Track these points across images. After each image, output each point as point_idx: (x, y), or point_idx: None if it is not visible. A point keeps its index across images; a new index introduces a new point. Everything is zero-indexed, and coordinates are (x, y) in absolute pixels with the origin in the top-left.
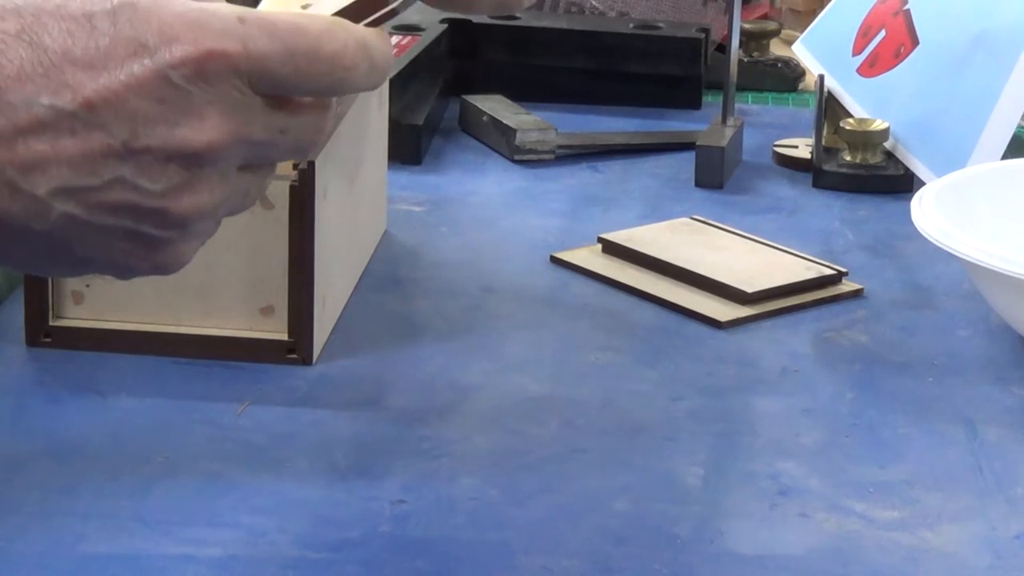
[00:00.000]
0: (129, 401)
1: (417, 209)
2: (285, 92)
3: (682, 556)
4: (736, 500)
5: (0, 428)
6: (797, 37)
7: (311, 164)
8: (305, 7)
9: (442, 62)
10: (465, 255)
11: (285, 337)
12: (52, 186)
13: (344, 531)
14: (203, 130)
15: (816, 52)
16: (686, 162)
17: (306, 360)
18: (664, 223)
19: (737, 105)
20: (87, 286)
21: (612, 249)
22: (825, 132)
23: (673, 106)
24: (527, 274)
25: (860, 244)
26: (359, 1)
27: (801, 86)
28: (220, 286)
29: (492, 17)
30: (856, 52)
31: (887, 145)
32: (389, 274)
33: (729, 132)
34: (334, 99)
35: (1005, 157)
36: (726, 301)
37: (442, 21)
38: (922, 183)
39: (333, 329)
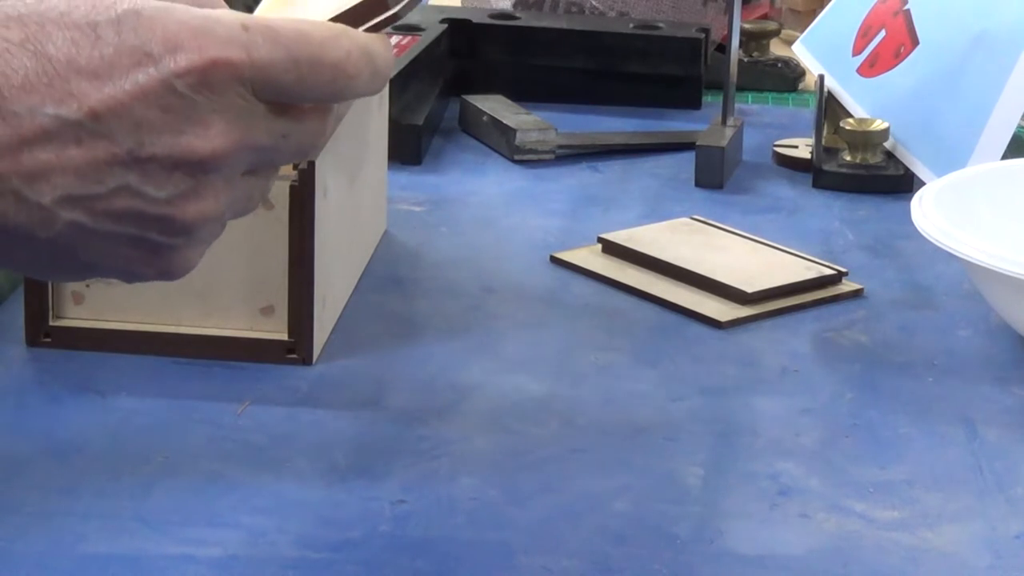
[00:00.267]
0: (129, 401)
1: (417, 209)
2: (288, 99)
3: (682, 556)
4: (736, 500)
5: (0, 428)
6: (797, 37)
7: (311, 164)
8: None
9: (442, 62)
10: (465, 255)
11: (285, 337)
12: (57, 195)
13: (344, 531)
14: (208, 138)
15: (816, 52)
16: (686, 162)
17: (306, 360)
18: (664, 223)
19: (737, 105)
20: (87, 286)
21: (612, 249)
22: (825, 132)
23: (673, 106)
24: (527, 274)
25: (860, 244)
26: (359, 5)
27: (801, 86)
28: (220, 286)
29: (492, 17)
30: (856, 52)
31: (887, 145)
32: (389, 274)
33: (729, 132)
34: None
35: (1005, 157)
36: (726, 301)
37: (442, 21)
38: (922, 183)
39: (333, 329)
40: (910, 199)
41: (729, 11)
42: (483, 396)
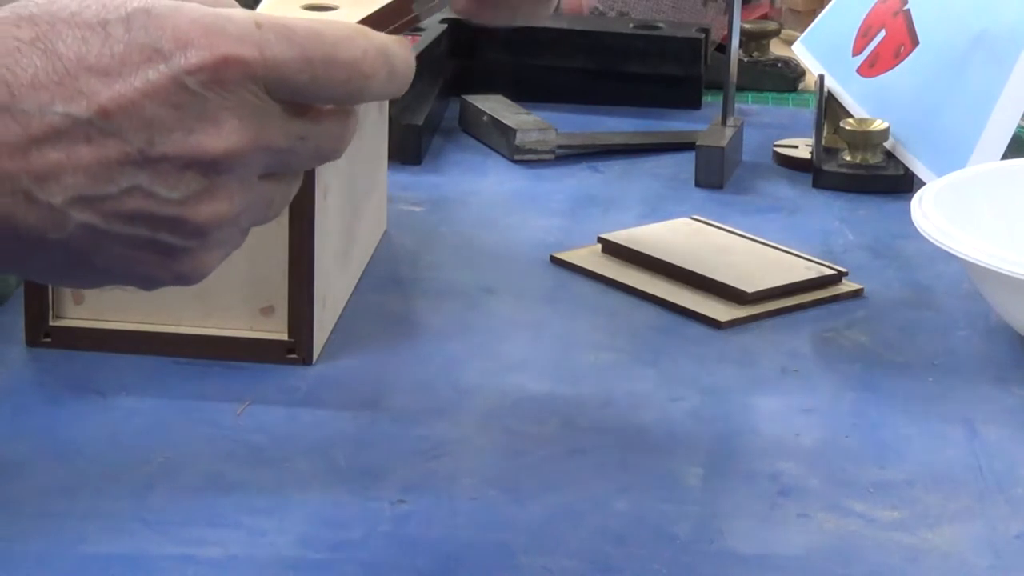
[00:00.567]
0: (129, 401)
1: (417, 209)
2: (303, 99)
3: (682, 556)
4: (736, 500)
5: (0, 428)
6: (797, 37)
7: None
8: (307, 7)
9: (442, 62)
10: (465, 255)
11: (285, 337)
12: (68, 195)
13: (344, 531)
14: (220, 136)
15: (816, 52)
16: (686, 162)
17: (306, 360)
18: (664, 223)
19: (737, 105)
20: None
21: (612, 249)
22: (825, 132)
23: (673, 106)
24: (527, 274)
25: (860, 244)
26: (383, 9)
27: (801, 86)
28: (220, 286)
29: None
30: (856, 52)
31: (887, 145)
32: (389, 274)
33: (729, 132)
34: (356, 106)
35: (1005, 157)
36: (726, 301)
37: (442, 21)
38: (922, 183)
39: (333, 329)
40: (910, 199)
41: (729, 11)
42: (483, 396)
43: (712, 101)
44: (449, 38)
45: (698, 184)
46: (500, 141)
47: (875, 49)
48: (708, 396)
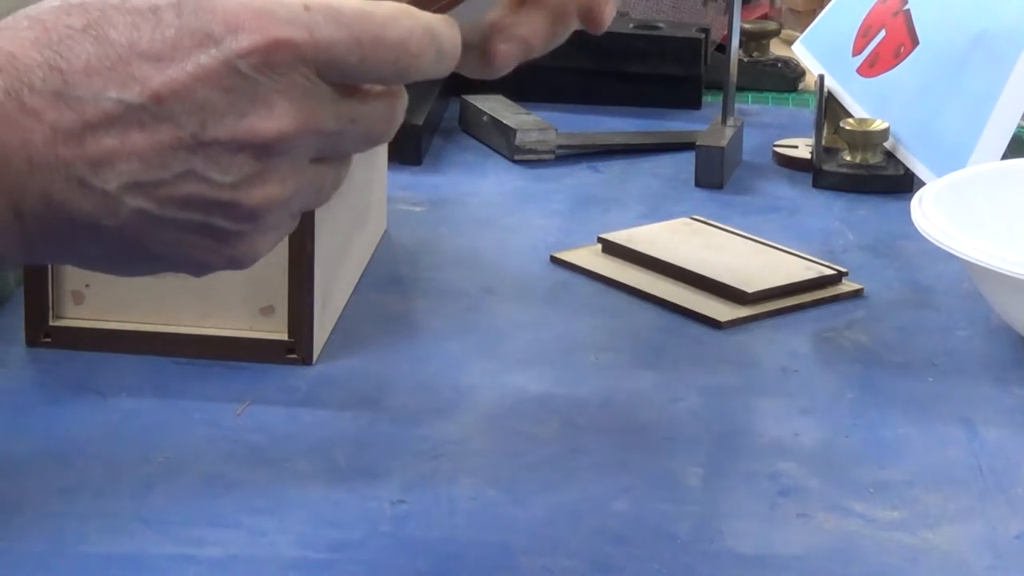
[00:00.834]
0: (129, 401)
1: (417, 209)
2: (352, 80)
3: (682, 556)
4: (736, 500)
5: (0, 428)
6: (797, 37)
7: None
8: None
9: None
10: (465, 255)
11: (285, 337)
12: (122, 181)
13: (344, 531)
14: (272, 118)
15: (816, 52)
16: (686, 162)
17: (306, 360)
18: (664, 223)
19: (737, 105)
20: (87, 286)
21: (612, 249)
22: (825, 132)
23: (673, 106)
24: (527, 274)
25: (860, 244)
26: None
27: (801, 86)
28: (220, 286)
29: None
30: (856, 52)
31: (887, 145)
32: (389, 274)
33: (729, 132)
34: (403, 87)
35: (1005, 157)
36: (726, 301)
37: None
38: (922, 183)
39: (333, 329)
40: (910, 199)
41: (729, 11)
42: (483, 396)
43: (712, 101)
44: None
45: (698, 184)
46: (500, 141)
47: (875, 49)
48: (708, 396)
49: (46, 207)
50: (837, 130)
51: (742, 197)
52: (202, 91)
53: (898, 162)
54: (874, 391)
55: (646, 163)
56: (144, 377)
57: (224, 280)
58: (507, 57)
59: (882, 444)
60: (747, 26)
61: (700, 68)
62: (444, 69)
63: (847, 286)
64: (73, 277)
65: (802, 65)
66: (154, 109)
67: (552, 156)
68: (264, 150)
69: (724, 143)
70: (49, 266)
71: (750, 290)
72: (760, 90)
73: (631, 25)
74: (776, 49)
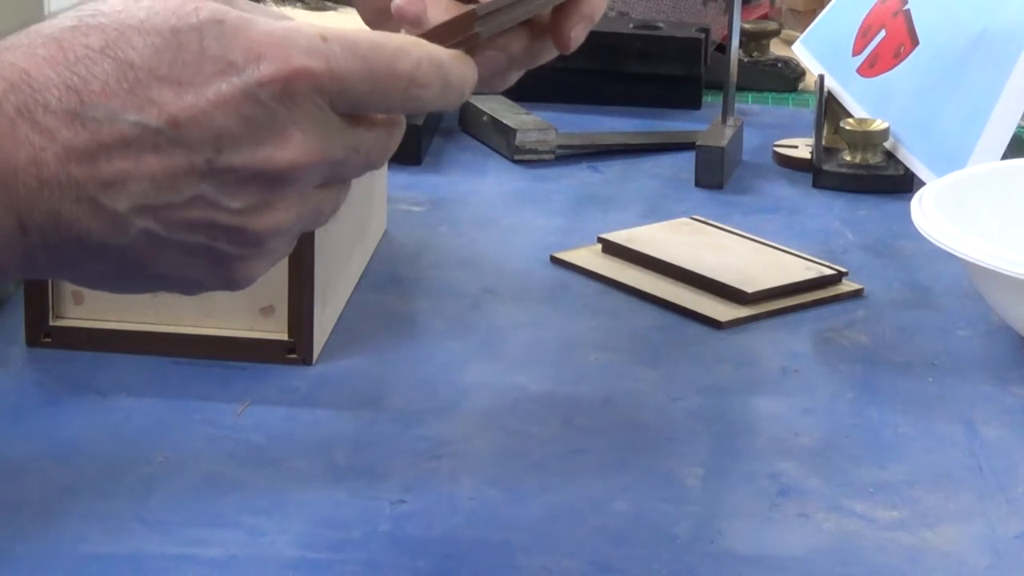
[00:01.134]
0: (129, 401)
1: (417, 209)
2: (362, 110)
3: (682, 556)
4: (736, 500)
5: (0, 428)
6: (797, 37)
7: None
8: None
9: None
10: (465, 255)
11: (285, 337)
12: (133, 203)
13: (344, 531)
14: (286, 149)
15: (816, 52)
16: (686, 162)
17: (306, 360)
18: (664, 223)
19: (737, 105)
20: None
21: (612, 249)
22: (825, 132)
23: (673, 106)
24: (527, 274)
25: (860, 244)
26: (444, 24)
27: (801, 86)
28: None
29: None
30: (856, 52)
31: (887, 145)
32: (389, 274)
33: (729, 132)
34: (402, 116)
35: (1005, 157)
36: (726, 301)
37: None
38: (922, 183)
39: (333, 329)
40: (910, 199)
41: (729, 11)
42: (483, 396)
43: (712, 101)
44: None
45: (698, 184)
46: (500, 141)
47: (875, 49)
48: (708, 396)
49: (54, 225)
50: (837, 130)
51: (742, 197)
52: (220, 118)
53: (898, 162)
54: (874, 391)
55: (646, 163)
56: (144, 377)
57: None
58: (487, 65)
59: (882, 444)
60: (747, 26)
61: (700, 68)
62: (449, 101)
63: (847, 286)
64: None
65: (802, 65)
66: (170, 133)
67: (552, 156)
68: (276, 179)
69: (724, 143)
70: None
71: (750, 290)
72: (760, 90)
73: (631, 25)
74: (776, 49)
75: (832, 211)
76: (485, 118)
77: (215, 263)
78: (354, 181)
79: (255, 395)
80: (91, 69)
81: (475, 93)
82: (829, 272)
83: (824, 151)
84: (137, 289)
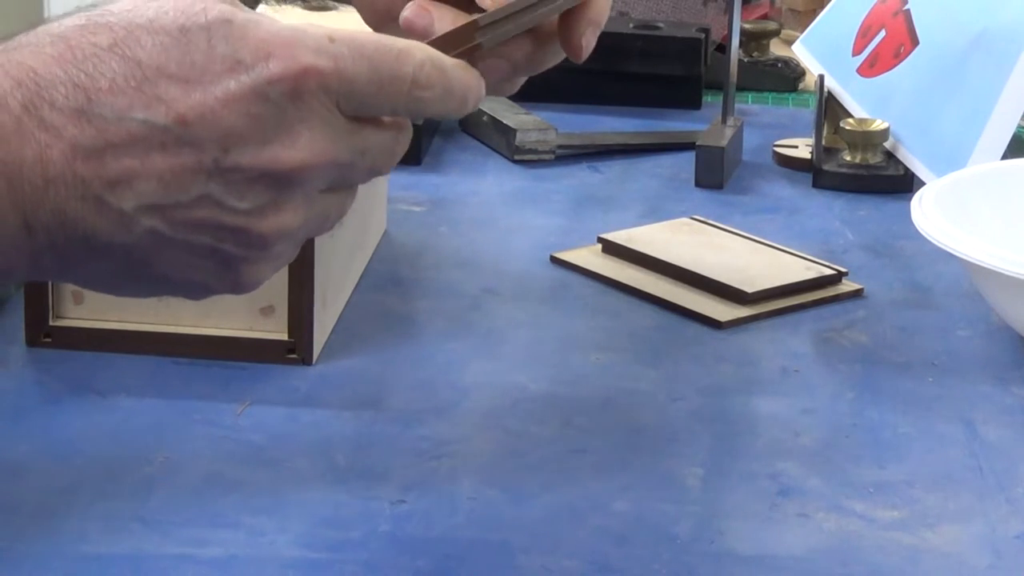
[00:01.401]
0: (129, 401)
1: (417, 209)
2: (367, 112)
3: (682, 556)
4: (736, 500)
5: (0, 428)
6: (797, 37)
7: None
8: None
9: None
10: (465, 255)
11: (285, 337)
12: (139, 202)
13: (344, 531)
14: (294, 149)
15: (816, 52)
16: (686, 162)
17: (306, 360)
18: (664, 223)
19: (737, 105)
20: None
21: (612, 249)
22: (825, 132)
23: (673, 106)
24: (527, 274)
25: (860, 244)
26: (447, 35)
27: (801, 86)
28: None
29: None
30: (856, 52)
31: (887, 145)
32: (389, 274)
33: (729, 132)
34: (409, 121)
35: (1005, 157)
36: (726, 301)
37: None
38: (922, 183)
39: (333, 329)
40: (910, 199)
41: (729, 11)
42: (483, 396)
43: (712, 101)
44: None
45: (698, 184)
46: (500, 141)
47: (875, 49)
48: (708, 396)
49: (59, 223)
50: (837, 130)
51: (742, 197)
52: (228, 117)
53: (898, 162)
54: (874, 391)
55: (646, 163)
56: (144, 377)
57: None
58: (490, 72)
59: (882, 444)
60: (747, 26)
61: (700, 68)
62: (452, 107)
63: (847, 286)
64: None
65: (802, 65)
66: (178, 131)
67: (552, 156)
68: (282, 180)
69: (724, 143)
70: None
71: (750, 290)
72: (760, 90)
73: (631, 25)
74: (776, 49)
75: (832, 211)
76: (485, 118)
77: (221, 265)
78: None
79: (255, 395)
80: (99, 67)
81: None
82: (829, 272)
83: (824, 151)
84: (143, 292)
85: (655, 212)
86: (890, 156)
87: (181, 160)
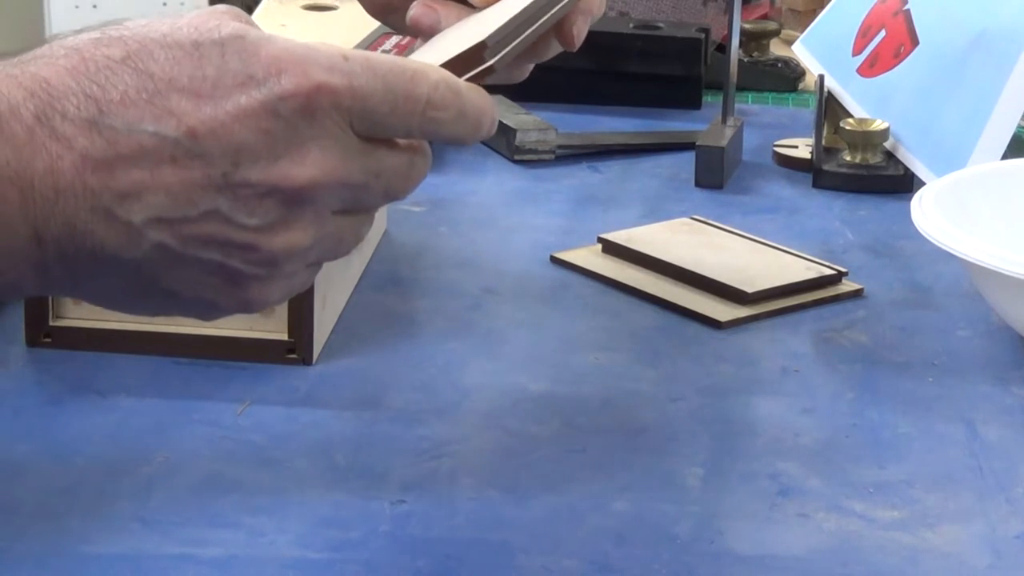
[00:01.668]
0: (129, 401)
1: (417, 209)
2: (381, 132)
3: (682, 556)
4: (736, 500)
5: (0, 428)
6: (797, 37)
7: None
8: (307, 7)
9: None
10: (465, 255)
11: (285, 337)
12: (148, 215)
13: (344, 531)
14: (304, 165)
15: (816, 52)
16: (686, 162)
17: (306, 360)
18: (664, 223)
19: (737, 105)
20: None
21: (612, 249)
22: (825, 132)
23: (673, 106)
24: (527, 274)
25: (860, 244)
26: (456, 57)
27: (801, 86)
28: None
29: None
30: (856, 52)
31: (887, 145)
32: (389, 274)
33: (729, 132)
34: (427, 145)
35: (1005, 157)
36: (726, 301)
37: None
38: (922, 183)
39: (333, 329)
40: (910, 199)
41: (729, 11)
42: (483, 396)
43: (712, 101)
44: None
45: (698, 184)
46: (500, 141)
47: (875, 49)
48: (708, 396)
49: (69, 235)
50: (837, 130)
51: (742, 197)
52: (239, 131)
53: (898, 162)
54: (874, 391)
55: (646, 163)
56: (144, 377)
57: None
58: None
59: (882, 444)
60: (747, 26)
61: (700, 68)
62: (466, 131)
63: (847, 286)
64: None
65: (802, 65)
66: (188, 145)
67: (552, 156)
68: (292, 197)
69: (724, 143)
70: None
71: (750, 290)
72: (760, 90)
73: (631, 25)
74: (776, 49)
75: (832, 211)
76: None
77: (229, 282)
78: None
79: (255, 395)
80: (111, 79)
81: (490, 84)
82: (829, 272)
83: (824, 151)
84: (152, 310)
85: (655, 212)
86: (890, 156)
87: (191, 173)
